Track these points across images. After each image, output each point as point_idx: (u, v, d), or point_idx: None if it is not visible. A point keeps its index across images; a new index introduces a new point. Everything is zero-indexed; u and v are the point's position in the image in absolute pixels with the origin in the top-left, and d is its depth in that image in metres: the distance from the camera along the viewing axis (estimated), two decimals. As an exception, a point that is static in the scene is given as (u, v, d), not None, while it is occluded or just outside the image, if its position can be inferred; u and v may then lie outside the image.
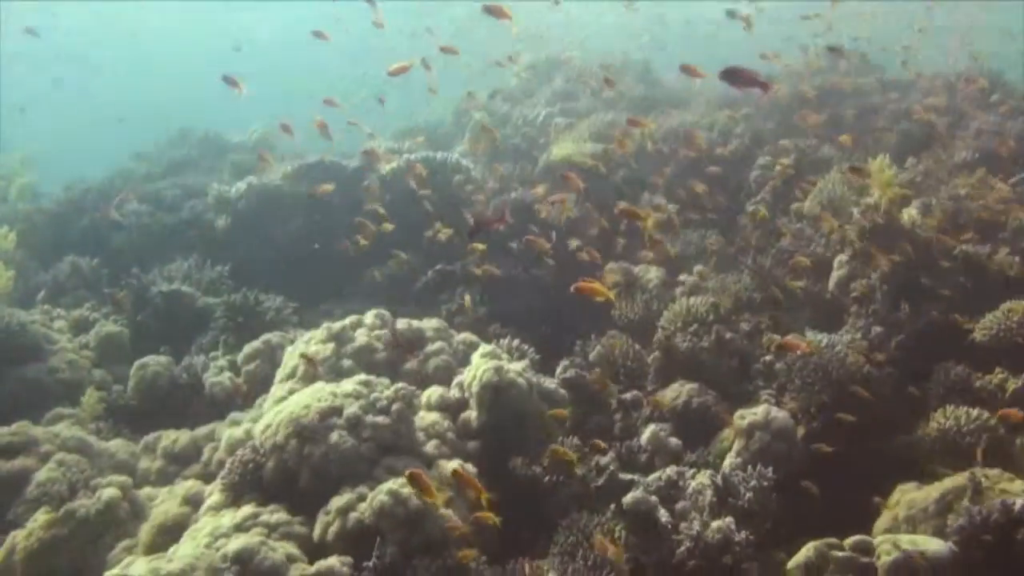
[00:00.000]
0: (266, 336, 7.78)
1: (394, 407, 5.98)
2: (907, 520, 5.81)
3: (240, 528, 5.40)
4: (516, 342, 7.26)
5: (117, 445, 7.11)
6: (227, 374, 7.65)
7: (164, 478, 6.92)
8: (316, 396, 5.95)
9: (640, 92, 16.01)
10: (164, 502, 6.23)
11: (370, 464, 5.74)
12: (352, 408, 5.87)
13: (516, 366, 6.56)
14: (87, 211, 11.79)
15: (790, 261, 8.79)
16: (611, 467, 6.06)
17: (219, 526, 5.43)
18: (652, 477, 5.81)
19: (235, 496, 5.79)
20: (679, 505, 5.71)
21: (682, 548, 5.40)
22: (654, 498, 5.64)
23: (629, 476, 5.94)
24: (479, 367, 6.46)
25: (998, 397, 6.86)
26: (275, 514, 5.54)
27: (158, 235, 11.54)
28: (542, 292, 10.01)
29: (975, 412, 6.54)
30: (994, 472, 5.88)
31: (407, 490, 5.35)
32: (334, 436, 5.70)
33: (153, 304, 9.04)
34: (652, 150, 12.24)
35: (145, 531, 5.89)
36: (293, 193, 11.72)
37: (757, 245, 10.00)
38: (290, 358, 7.01)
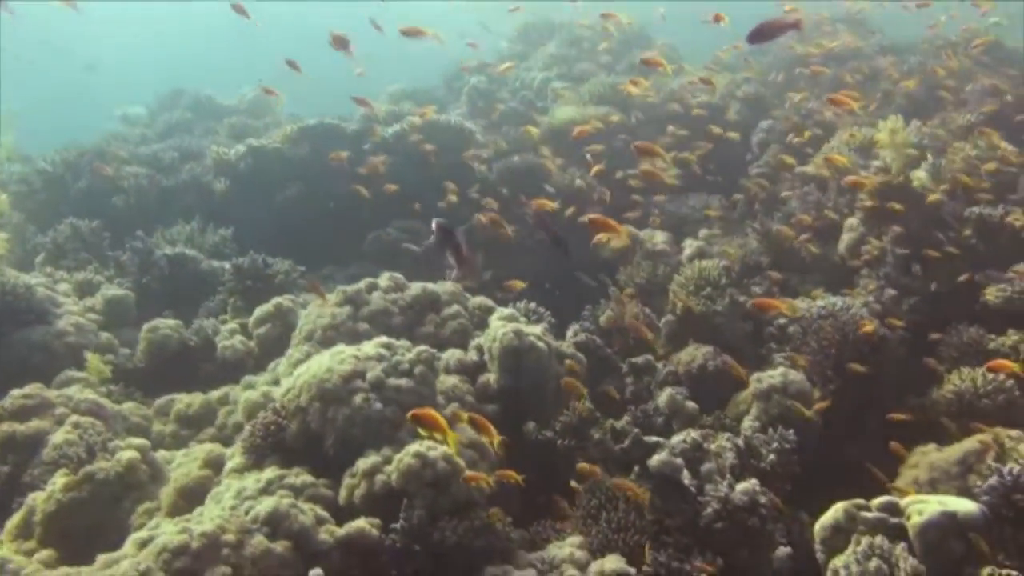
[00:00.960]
0: (277, 299, 7.72)
1: (416, 370, 5.95)
2: (929, 482, 5.85)
3: (266, 491, 5.38)
4: (533, 305, 7.24)
5: (130, 408, 7.06)
6: (239, 337, 7.60)
7: (178, 442, 6.89)
8: (338, 359, 5.90)
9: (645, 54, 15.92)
10: (182, 465, 6.20)
11: (393, 427, 5.71)
12: (375, 371, 5.84)
13: (535, 329, 6.54)
14: (83, 173, 11.61)
15: (796, 221, 8.81)
16: (634, 430, 6.04)
17: (244, 488, 5.40)
18: (676, 439, 5.79)
19: (257, 458, 5.75)
20: (704, 467, 5.71)
21: (709, 510, 5.41)
22: (680, 460, 5.64)
23: (653, 439, 5.92)
24: (498, 329, 6.42)
25: (1012, 358, 6.89)
26: (300, 476, 5.52)
27: (157, 198, 11.42)
28: (548, 257, 10.00)
29: (991, 374, 6.57)
30: (1016, 432, 5.93)
31: (434, 452, 5.34)
32: (358, 399, 5.67)
33: (158, 267, 8.95)
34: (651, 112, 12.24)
35: (166, 494, 5.86)
36: (293, 156, 11.62)
37: (762, 207, 10.02)
38: (306, 321, 6.96)
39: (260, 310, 7.69)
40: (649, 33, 17.82)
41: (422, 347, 6.10)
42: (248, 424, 6.04)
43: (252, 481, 5.48)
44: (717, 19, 8.58)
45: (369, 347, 6.06)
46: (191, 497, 5.77)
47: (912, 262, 7.66)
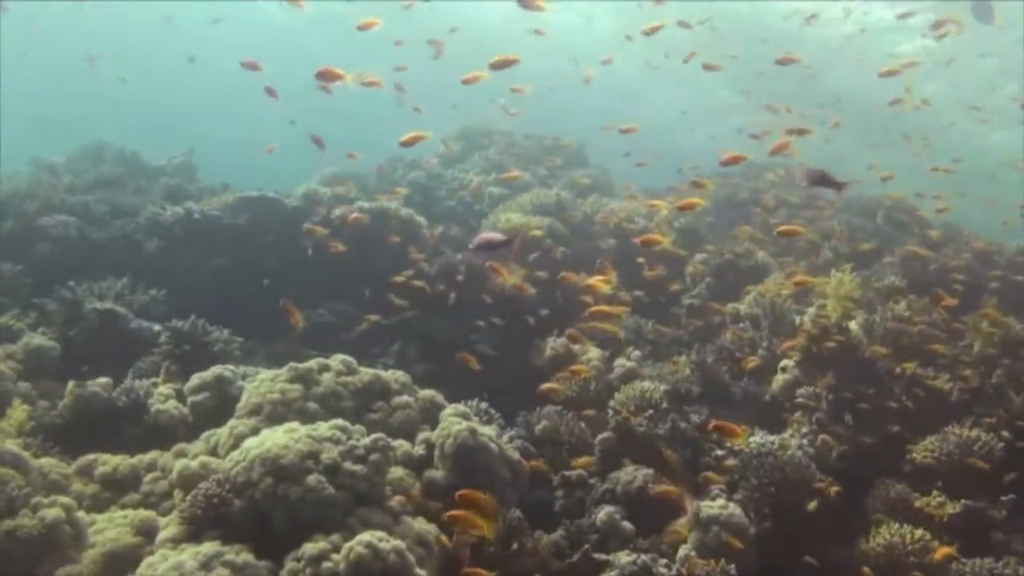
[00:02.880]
0: (217, 368, 7.50)
1: (372, 457, 5.84)
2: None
3: (205, 567, 5.14)
4: (484, 405, 7.21)
5: (49, 464, 6.68)
6: (174, 402, 7.33)
7: (98, 504, 6.52)
8: (294, 436, 5.76)
9: (584, 173, 16.51)
10: (107, 530, 5.88)
11: (344, 513, 5.57)
12: (331, 453, 5.71)
13: (489, 430, 6.52)
14: (9, 215, 11.21)
15: (739, 359, 9.05)
16: (585, 545, 6.02)
17: (182, 562, 5.15)
18: (625, 560, 5.80)
19: (196, 531, 5.51)
20: (651, 590, 5.72)
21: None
22: (629, 581, 5.64)
23: (603, 556, 5.91)
24: (452, 426, 6.38)
25: (935, 519, 7.14)
26: (240, 554, 5.29)
27: (84, 251, 11.07)
28: (483, 357, 10.02)
29: (919, 532, 6.79)
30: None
31: (385, 544, 5.21)
32: (311, 479, 5.52)
33: (87, 321, 8.63)
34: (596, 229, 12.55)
35: (91, 558, 5.53)
36: (231, 225, 11.47)
37: (694, 338, 10.27)
38: (252, 393, 6.78)
39: (198, 377, 7.45)
40: (586, 152, 18.44)
41: (378, 434, 6.00)
42: (188, 494, 5.80)
43: (190, 555, 5.23)
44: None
45: (324, 428, 5.94)
46: (119, 564, 5.47)
47: (844, 411, 7.93)
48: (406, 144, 8.61)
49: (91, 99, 38.82)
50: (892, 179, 13.08)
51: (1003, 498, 7.16)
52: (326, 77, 8.13)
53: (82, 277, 10.19)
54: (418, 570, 5.33)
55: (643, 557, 5.79)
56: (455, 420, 6.46)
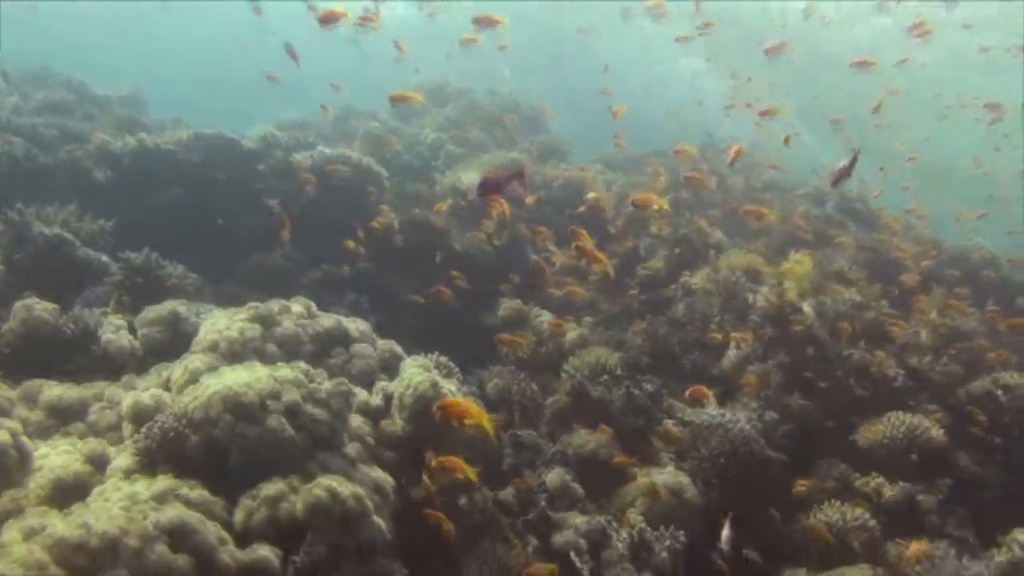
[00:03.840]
0: (172, 303, 7.31)
1: (333, 402, 5.77)
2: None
3: (159, 499, 5.03)
4: (444, 359, 7.16)
5: (-9, 387, 6.48)
6: (125, 334, 7.13)
7: (42, 431, 6.32)
8: (255, 375, 5.65)
9: (541, 139, 16.47)
10: (53, 456, 5.71)
11: (303, 456, 5.49)
12: (292, 395, 5.62)
13: (450, 384, 6.48)
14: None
15: (691, 332, 9.15)
16: (541, 503, 6.03)
17: (136, 492, 5.03)
18: (581, 520, 5.83)
19: (149, 464, 5.39)
20: (604, 553, 5.75)
21: (607, 595, 5.45)
22: (583, 542, 5.67)
23: (561, 515, 5.93)
24: (414, 377, 6.32)
25: (873, 500, 7.33)
26: (195, 490, 5.19)
27: (30, 173, 10.68)
28: (435, 313, 10.00)
29: (859, 511, 6.96)
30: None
31: (345, 489, 5.17)
32: (272, 420, 5.43)
33: (35, 245, 8.34)
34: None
35: (40, 484, 5.36)
36: (185, 161, 11.20)
37: (646, 310, 10.33)
38: (210, 330, 6.63)
39: (152, 311, 7.26)
40: (544, 120, 18.39)
41: (340, 379, 5.93)
42: (139, 428, 5.67)
43: (143, 486, 5.12)
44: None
45: (287, 370, 5.84)
46: (68, 492, 5.30)
47: (794, 390, 8.07)
48: (396, 100, 8.48)
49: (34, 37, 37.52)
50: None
51: (940, 482, 7.38)
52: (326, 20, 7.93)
53: (26, 200, 9.85)
54: (375, 517, 5.30)
55: (599, 519, 5.82)
56: (417, 372, 6.41)
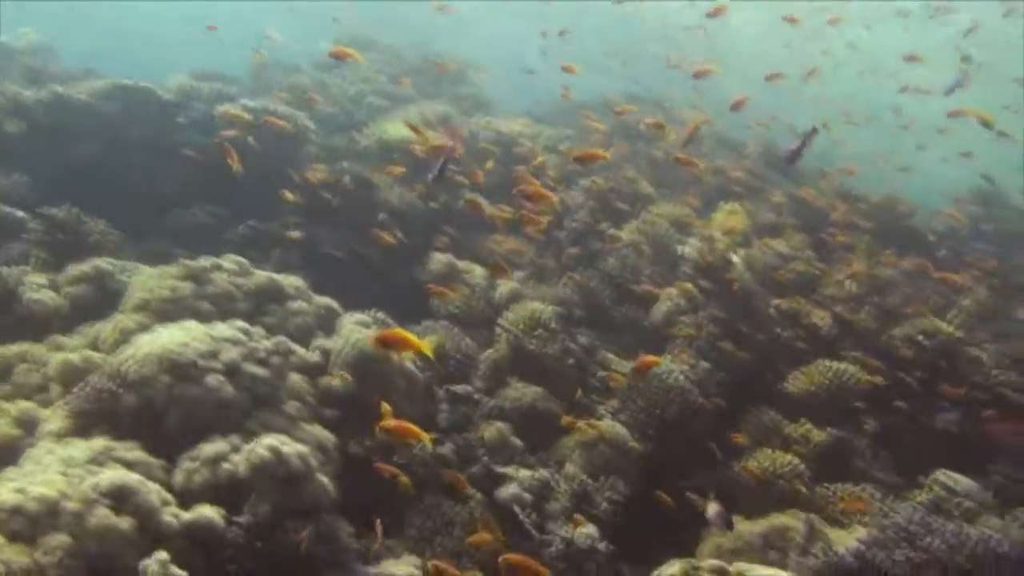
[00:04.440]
0: (97, 260, 7.09)
1: (273, 359, 5.68)
2: (733, 551, 6.23)
3: (95, 461, 4.90)
4: (383, 315, 7.08)
5: (-93, 347, 6.22)
6: (48, 292, 6.88)
7: (-38, 394, 6.13)
8: (191, 335, 5.52)
9: (466, 91, 16.32)
10: (-22, 420, 5.52)
11: (243, 415, 5.40)
12: (231, 354, 5.50)
13: (390, 340, 6.40)
14: None
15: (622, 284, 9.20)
16: (483, 457, 6.04)
17: (72, 456, 4.89)
18: (524, 474, 5.87)
19: (83, 425, 5.23)
20: (548, 505, 5.80)
21: (552, 548, 5.49)
22: (528, 496, 5.70)
23: (503, 469, 5.95)
24: (353, 334, 6.24)
25: (803, 445, 7.52)
26: (132, 451, 5.07)
27: (-68, 125, 10.21)
28: (367, 269, 9.90)
29: (789, 457, 7.13)
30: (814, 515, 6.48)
31: (288, 448, 5.10)
32: (210, 379, 5.31)
33: (-54, 199, 8.01)
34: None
35: (-34, 448, 5.20)
36: (101, 113, 10.80)
37: (576, 263, 10.35)
38: (140, 288, 6.44)
39: (76, 269, 7.03)
40: (469, 75, 18.19)
41: (280, 337, 5.83)
42: (69, 388, 5.51)
43: (79, 449, 4.97)
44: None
45: (224, 328, 5.71)
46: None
47: (724, 339, 8.20)
48: (337, 56, 8.30)
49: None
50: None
51: (866, 427, 7.61)
52: None
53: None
54: (319, 475, 5.24)
55: (542, 472, 5.86)
56: (355, 328, 6.33)
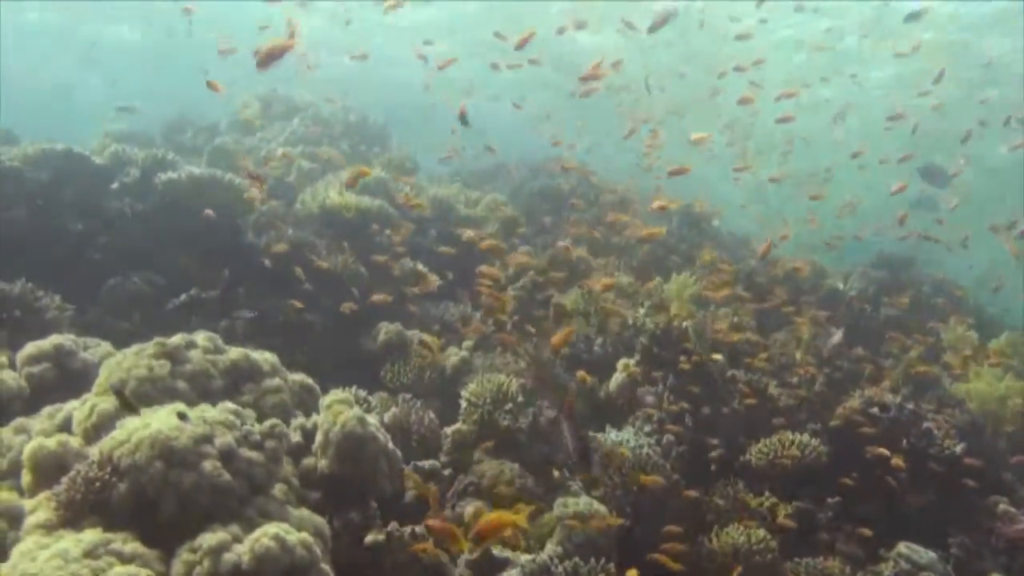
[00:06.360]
0: (57, 337, 6.80)
1: (268, 443, 5.52)
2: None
3: (90, 555, 4.67)
4: (364, 393, 6.97)
5: None
6: (10, 372, 6.56)
7: (-78, 483, 5.77)
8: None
9: (391, 155, 16.39)
10: (-51, 512, 5.20)
11: (241, 502, 5.23)
12: (225, 438, 5.34)
13: (374, 419, 6.32)
14: None
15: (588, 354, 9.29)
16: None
17: (64, 550, 4.65)
18: (525, 559, 5.82)
19: (73, 516, 4.98)
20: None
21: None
22: (529, 579, 5.64)
23: (505, 555, 5.88)
24: (339, 414, 6.13)
25: (768, 519, 7.66)
26: (128, 543, 4.85)
27: None
28: (313, 336, 9.79)
29: (762, 532, 7.25)
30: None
31: (293, 537, 4.96)
32: (207, 465, 5.14)
33: None
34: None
35: (-55, 545, 4.88)
36: (31, 180, 10.45)
37: (520, 331, 10.41)
38: (115, 368, 6.19)
39: (34, 347, 6.72)
40: (389, 132, 18.33)
41: (274, 420, 5.68)
42: (41, 475, 5.27)
43: (72, 543, 4.73)
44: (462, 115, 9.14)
45: (215, 412, 5.55)
46: (-20, 551, 4.86)
47: (686, 413, 8.33)
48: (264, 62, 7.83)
49: None
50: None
51: (829, 500, 7.79)
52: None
53: None
54: (323, 564, 5.11)
55: (543, 556, 5.82)
56: (340, 407, 6.21)
